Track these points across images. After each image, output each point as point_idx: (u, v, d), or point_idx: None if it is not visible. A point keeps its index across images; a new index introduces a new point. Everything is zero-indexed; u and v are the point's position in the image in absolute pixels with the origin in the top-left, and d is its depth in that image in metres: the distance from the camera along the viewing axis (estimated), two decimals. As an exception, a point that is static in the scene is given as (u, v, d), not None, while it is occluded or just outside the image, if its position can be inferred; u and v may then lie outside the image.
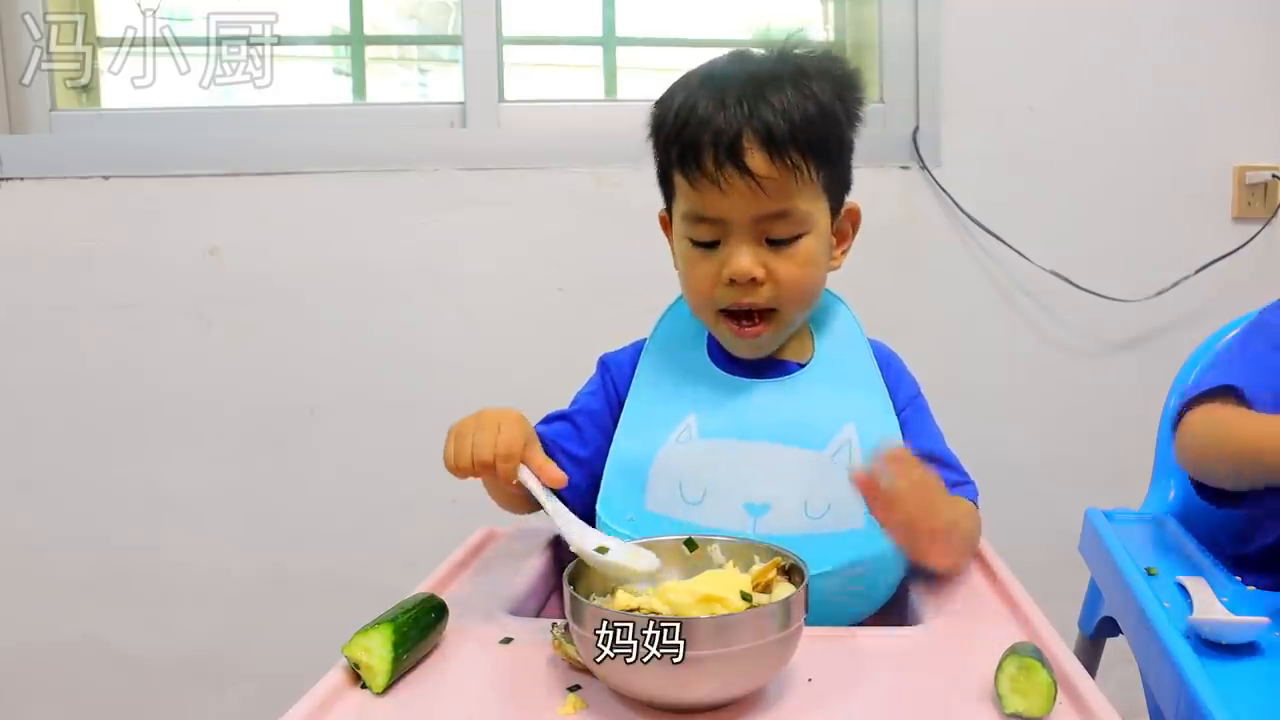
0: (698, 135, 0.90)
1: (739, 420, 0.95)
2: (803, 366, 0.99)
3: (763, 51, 0.96)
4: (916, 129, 1.79)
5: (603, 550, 0.79)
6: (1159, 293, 1.80)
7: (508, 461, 0.85)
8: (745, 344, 0.97)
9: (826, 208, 0.96)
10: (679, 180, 0.94)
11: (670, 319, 1.06)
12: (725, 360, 1.00)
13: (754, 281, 0.92)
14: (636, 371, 1.02)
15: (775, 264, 0.93)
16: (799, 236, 0.93)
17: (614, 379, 1.05)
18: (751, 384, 0.97)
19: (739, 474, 0.92)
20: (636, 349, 1.06)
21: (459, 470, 0.86)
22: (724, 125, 0.89)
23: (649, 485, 0.94)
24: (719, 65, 0.96)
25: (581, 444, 1.00)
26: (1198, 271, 1.79)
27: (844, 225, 1.01)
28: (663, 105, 0.96)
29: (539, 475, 0.86)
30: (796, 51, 0.96)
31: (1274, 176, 1.80)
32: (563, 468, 0.92)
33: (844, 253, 1.02)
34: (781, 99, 0.90)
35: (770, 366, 0.99)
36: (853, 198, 1.01)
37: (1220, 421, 1.04)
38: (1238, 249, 1.80)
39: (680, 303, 1.06)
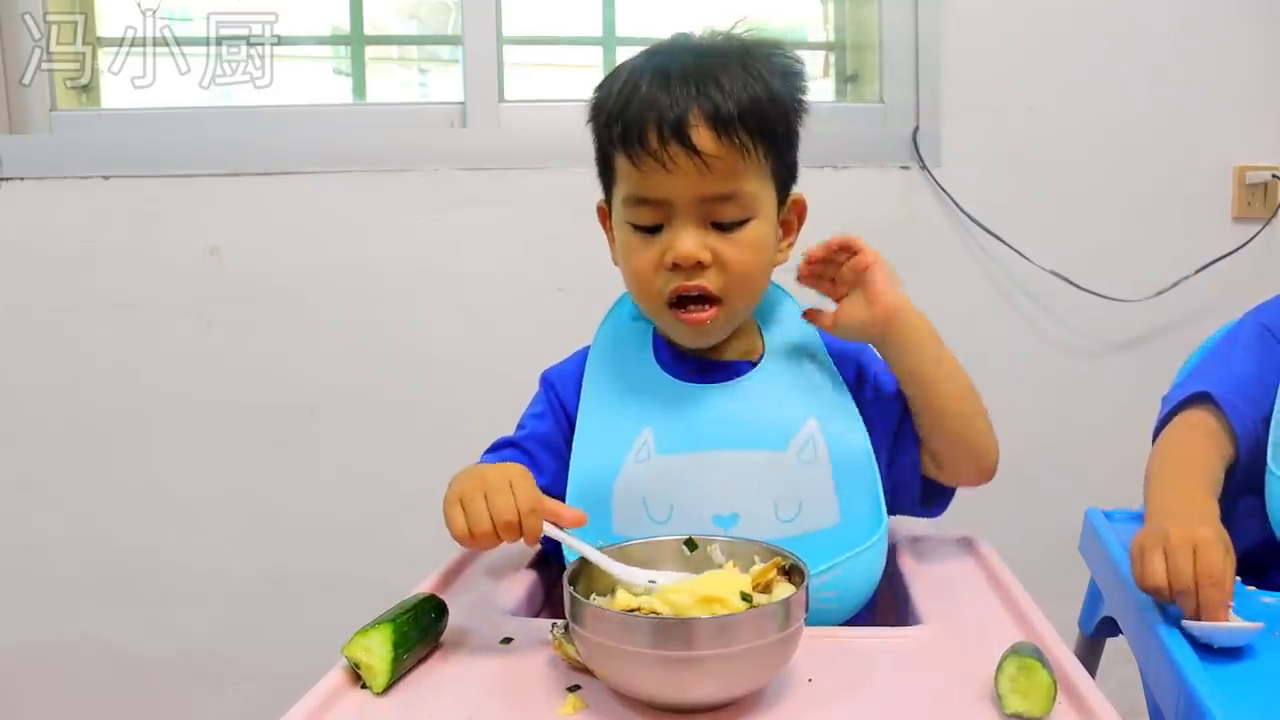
0: (641, 113, 0.88)
1: (696, 430, 0.92)
2: (754, 365, 0.97)
3: (708, 33, 0.95)
4: (916, 129, 1.78)
5: (652, 585, 0.76)
6: (1159, 293, 1.80)
7: (533, 515, 0.78)
8: (691, 332, 0.93)
9: (774, 195, 0.93)
10: (620, 162, 0.91)
11: (611, 323, 1.03)
12: (673, 365, 0.97)
13: (699, 265, 0.89)
14: (584, 383, 0.98)
15: (721, 248, 0.90)
16: (746, 221, 0.91)
17: (560, 396, 1.01)
18: (704, 389, 0.94)
19: (703, 487, 0.90)
20: (580, 359, 1.02)
21: (479, 537, 0.78)
22: (669, 103, 0.87)
23: (613, 509, 0.91)
24: (662, 47, 0.94)
25: (538, 472, 0.94)
26: (1198, 271, 1.79)
27: (789, 216, 0.98)
28: (603, 88, 0.94)
29: (559, 520, 0.80)
30: (742, 35, 0.94)
31: (1274, 176, 1.80)
32: None
33: (790, 245, 0.99)
34: (729, 79, 0.88)
35: (721, 368, 0.97)
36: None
37: (1160, 452, 1.07)
38: (1238, 249, 1.80)
39: (619, 306, 1.04)
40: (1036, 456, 1.82)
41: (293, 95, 1.84)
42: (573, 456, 0.95)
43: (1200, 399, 1.09)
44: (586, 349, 1.03)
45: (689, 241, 0.89)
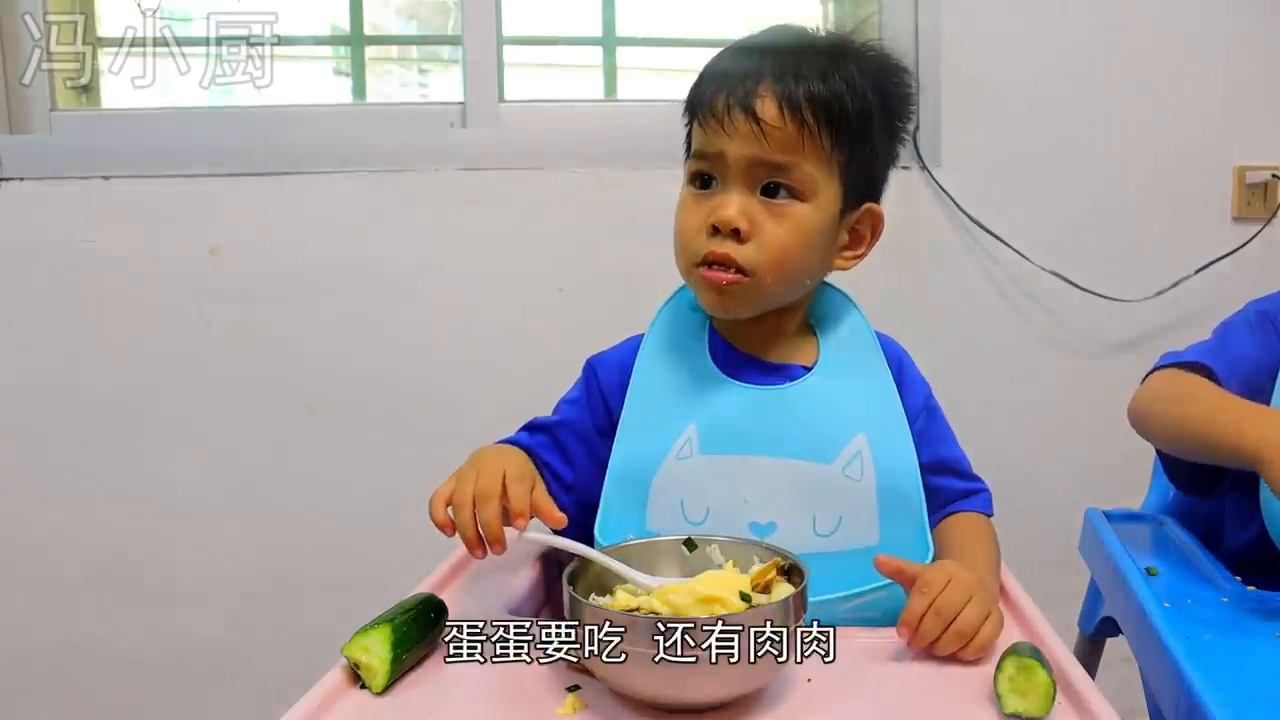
0: (714, 82, 0.90)
1: (742, 432, 0.91)
2: (808, 370, 0.95)
3: (809, 28, 0.95)
4: (916, 129, 1.78)
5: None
6: (1159, 293, 1.80)
7: (521, 482, 0.80)
8: (715, 294, 0.91)
9: (838, 191, 0.91)
10: (694, 130, 0.93)
11: (670, 311, 1.01)
12: (727, 362, 0.96)
13: (736, 234, 0.88)
14: (635, 370, 0.97)
15: (763, 220, 0.88)
16: (796, 199, 0.89)
17: (601, 385, 0.99)
18: (755, 391, 0.93)
19: (743, 492, 0.89)
20: (629, 347, 1.00)
21: (460, 508, 0.80)
22: (741, 75, 0.89)
23: (649, 504, 0.90)
24: (759, 34, 0.96)
25: (566, 462, 0.96)
26: (1198, 271, 1.79)
27: (861, 226, 0.96)
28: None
29: (542, 515, 0.80)
30: (845, 36, 0.94)
31: (1274, 176, 1.80)
32: (549, 490, 0.88)
33: (857, 257, 0.97)
34: (809, 67, 0.88)
35: (773, 370, 0.96)
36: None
37: (1182, 385, 1.06)
38: (1238, 249, 1.80)
39: (679, 295, 1.01)
40: (1036, 456, 1.83)
41: (293, 95, 1.84)
42: (615, 443, 0.93)
43: (1197, 368, 1.08)
44: (637, 337, 1.00)
45: (731, 205, 0.88)
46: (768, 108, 0.87)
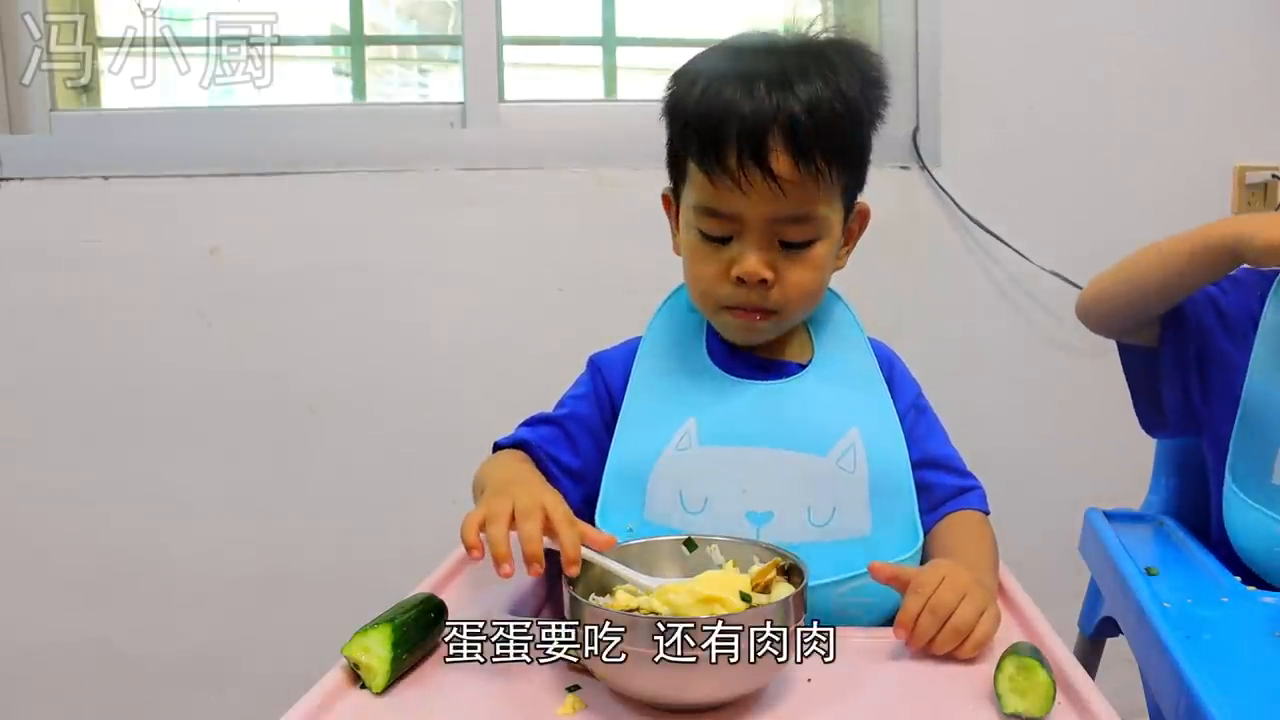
0: (722, 128, 0.86)
1: (740, 425, 0.93)
2: (803, 367, 0.98)
3: (784, 33, 0.94)
4: (916, 129, 1.78)
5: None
6: (1159, 293, 1.79)
7: (570, 525, 0.78)
8: (743, 331, 0.95)
9: (842, 211, 0.94)
10: (694, 171, 0.91)
11: (667, 312, 1.03)
12: (724, 359, 0.98)
13: (763, 283, 0.90)
14: (634, 369, 0.99)
15: (785, 267, 0.91)
16: (813, 242, 0.91)
17: (605, 380, 1.01)
18: (752, 385, 0.95)
19: (740, 482, 0.90)
20: (630, 347, 1.02)
21: (493, 521, 0.76)
22: (751, 121, 0.86)
23: (648, 493, 0.92)
24: (741, 48, 0.93)
25: (574, 454, 0.98)
26: (1198, 271, 1.79)
27: (852, 225, 0.99)
28: (682, 82, 0.92)
29: (591, 542, 0.78)
30: (823, 37, 0.93)
31: (1274, 176, 1.80)
32: (555, 480, 0.91)
33: (848, 252, 1.00)
34: (810, 93, 0.86)
35: (770, 367, 0.98)
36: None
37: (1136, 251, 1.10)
38: (1238, 249, 1.80)
39: (677, 295, 1.03)
40: (1036, 456, 1.83)
41: (293, 95, 1.84)
42: (614, 437, 0.95)
43: None
44: (637, 339, 1.03)
45: (754, 261, 0.89)
46: (782, 163, 0.86)
